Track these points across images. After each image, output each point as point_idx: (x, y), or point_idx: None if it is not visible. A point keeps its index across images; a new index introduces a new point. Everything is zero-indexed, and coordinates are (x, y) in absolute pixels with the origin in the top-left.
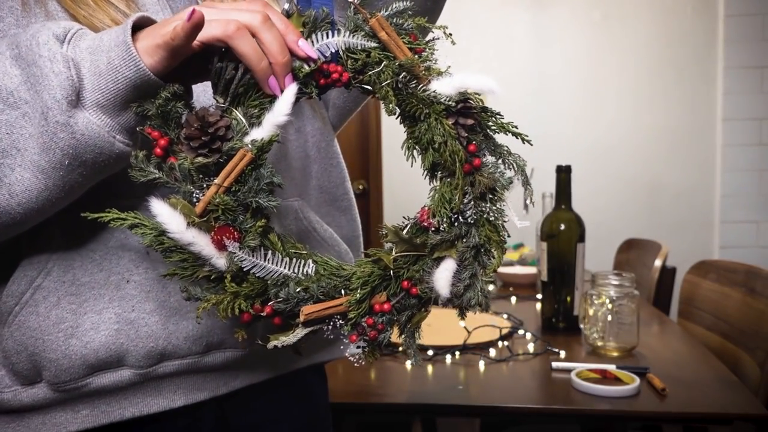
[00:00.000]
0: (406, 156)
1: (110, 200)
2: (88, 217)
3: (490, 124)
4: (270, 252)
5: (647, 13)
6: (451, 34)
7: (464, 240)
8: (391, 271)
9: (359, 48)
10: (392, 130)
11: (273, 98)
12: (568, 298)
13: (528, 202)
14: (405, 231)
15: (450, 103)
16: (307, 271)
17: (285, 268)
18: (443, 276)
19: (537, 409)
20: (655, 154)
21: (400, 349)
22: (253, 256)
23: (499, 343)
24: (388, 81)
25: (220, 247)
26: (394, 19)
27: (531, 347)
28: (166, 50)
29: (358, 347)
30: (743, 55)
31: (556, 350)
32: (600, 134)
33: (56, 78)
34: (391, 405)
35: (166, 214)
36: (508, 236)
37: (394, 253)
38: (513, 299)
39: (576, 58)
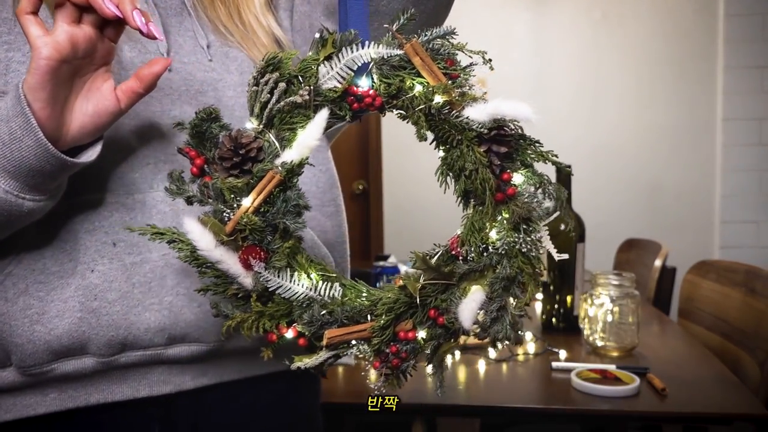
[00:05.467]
0: (439, 182)
1: (64, 198)
2: (131, 231)
3: (529, 152)
4: (297, 273)
5: (647, 12)
6: (490, 60)
7: (495, 271)
8: (418, 299)
9: (387, 56)
10: (392, 130)
11: (306, 121)
12: (568, 298)
13: (562, 227)
14: (434, 259)
15: (482, 129)
16: (333, 294)
17: (311, 290)
18: (468, 307)
19: (537, 409)
20: (655, 154)
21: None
22: (278, 276)
23: (499, 344)
24: (421, 107)
25: (247, 266)
26: (431, 45)
27: (531, 347)
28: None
29: (381, 374)
30: (743, 55)
31: (556, 350)
32: (600, 134)
33: None
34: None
35: (196, 232)
36: (545, 269)
37: (421, 280)
38: None
39: (576, 57)
